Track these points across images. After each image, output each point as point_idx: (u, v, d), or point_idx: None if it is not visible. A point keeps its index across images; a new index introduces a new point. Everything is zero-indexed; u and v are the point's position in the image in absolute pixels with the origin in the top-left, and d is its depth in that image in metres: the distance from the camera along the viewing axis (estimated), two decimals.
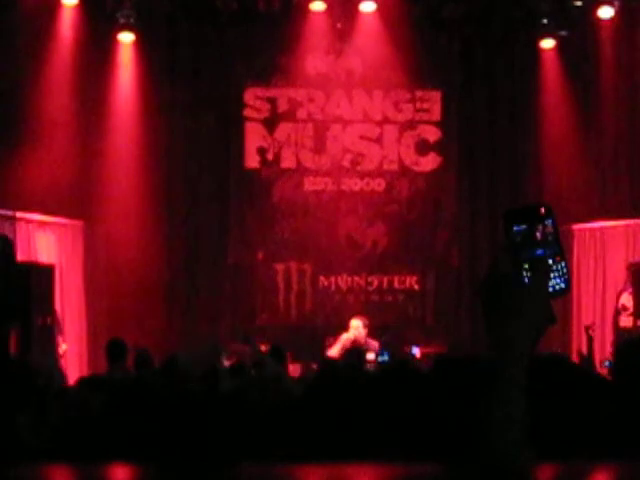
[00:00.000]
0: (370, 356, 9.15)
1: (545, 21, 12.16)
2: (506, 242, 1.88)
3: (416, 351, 9.76)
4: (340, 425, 3.95)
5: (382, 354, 8.96)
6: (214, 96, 12.78)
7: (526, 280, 1.88)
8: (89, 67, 11.77)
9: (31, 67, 11.20)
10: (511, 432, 1.75)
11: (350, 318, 10.28)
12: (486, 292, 1.91)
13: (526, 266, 1.89)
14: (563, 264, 1.88)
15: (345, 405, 4.10)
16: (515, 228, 1.92)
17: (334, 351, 9.24)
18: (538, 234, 1.90)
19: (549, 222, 1.90)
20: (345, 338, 9.55)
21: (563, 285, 1.88)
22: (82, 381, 6.38)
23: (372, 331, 10.33)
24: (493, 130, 13.09)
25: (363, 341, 9.69)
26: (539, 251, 1.89)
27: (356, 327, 9.70)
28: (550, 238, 1.90)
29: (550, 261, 1.89)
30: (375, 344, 9.63)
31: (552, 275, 1.88)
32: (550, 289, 1.88)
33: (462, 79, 13.06)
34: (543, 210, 1.91)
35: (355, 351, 7.87)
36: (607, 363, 8.68)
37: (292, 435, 4.14)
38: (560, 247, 1.90)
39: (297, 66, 12.83)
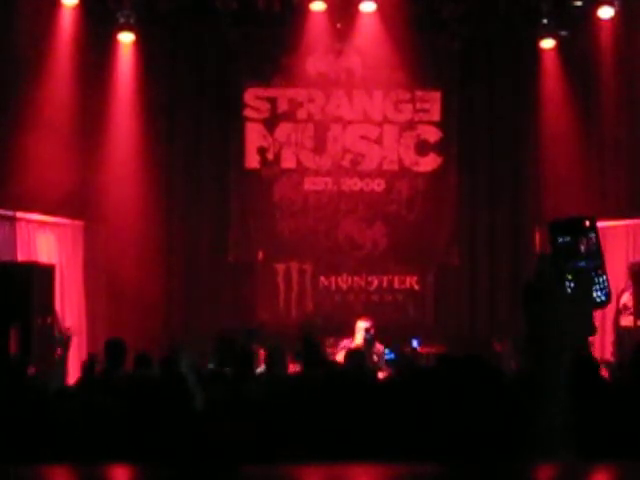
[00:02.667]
0: (375, 359, 9.08)
1: (545, 21, 12.16)
2: (551, 252, 1.90)
3: (415, 343, 9.69)
4: (342, 425, 3.95)
5: (388, 353, 8.90)
6: (214, 96, 12.78)
7: (569, 290, 1.89)
8: (89, 67, 11.77)
9: (31, 67, 11.19)
10: (554, 431, 1.76)
11: (350, 318, 10.22)
12: (529, 299, 1.94)
13: (569, 277, 1.90)
14: (604, 277, 1.90)
15: (346, 405, 4.09)
16: (560, 239, 1.93)
17: (341, 357, 9.14)
18: (582, 246, 1.92)
19: (592, 235, 1.92)
20: (355, 345, 9.44)
21: (604, 298, 1.89)
22: (81, 381, 6.38)
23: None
24: (493, 130, 13.09)
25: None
26: (582, 263, 1.91)
27: (365, 328, 9.61)
28: (593, 250, 1.91)
29: (592, 274, 1.90)
30: (381, 348, 9.54)
31: (593, 287, 1.89)
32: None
33: (462, 79, 13.06)
34: (587, 223, 1.92)
35: (356, 353, 7.84)
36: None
37: (293, 435, 4.14)
38: (602, 260, 1.92)
39: (297, 66, 12.83)
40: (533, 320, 1.77)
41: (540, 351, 1.88)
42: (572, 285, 1.88)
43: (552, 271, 1.88)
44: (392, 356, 8.44)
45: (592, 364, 4.07)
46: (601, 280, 1.90)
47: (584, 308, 1.89)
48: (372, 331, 9.46)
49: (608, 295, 1.90)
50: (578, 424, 1.92)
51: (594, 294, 1.90)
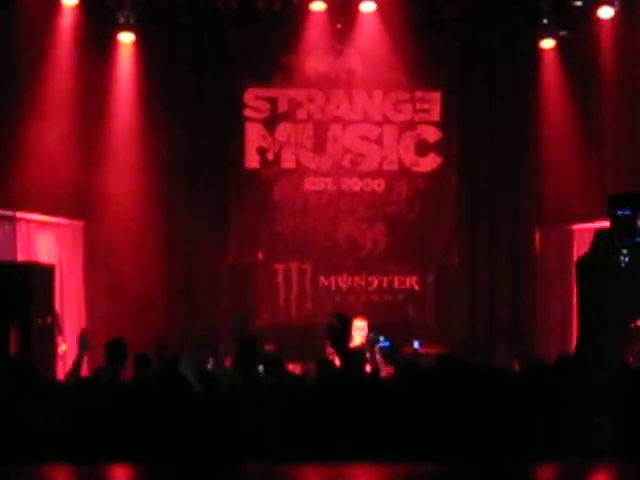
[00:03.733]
0: (377, 358, 9.04)
1: (545, 21, 12.16)
2: (611, 226, 1.93)
3: (417, 344, 9.67)
4: (342, 426, 3.95)
5: (383, 341, 8.81)
6: (214, 96, 12.78)
7: (622, 264, 1.92)
8: (89, 67, 11.76)
9: (31, 67, 11.19)
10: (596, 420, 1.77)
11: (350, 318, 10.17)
12: (584, 271, 1.96)
13: (624, 251, 1.94)
14: None
15: (346, 406, 4.10)
16: (619, 212, 1.97)
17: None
18: (639, 222, 1.95)
19: None
20: (354, 345, 9.41)
21: None
22: (82, 382, 6.38)
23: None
24: (493, 130, 13.09)
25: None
26: (638, 239, 1.94)
27: (362, 328, 9.60)
28: None
29: None
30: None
31: None
32: None
33: (462, 79, 13.06)
34: None
35: (355, 354, 7.82)
36: None
37: (293, 435, 4.14)
38: None
39: (297, 66, 12.83)
40: (586, 295, 1.80)
41: (593, 326, 1.90)
42: (626, 260, 1.91)
43: (608, 245, 1.92)
44: (387, 344, 8.38)
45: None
46: None
47: (637, 284, 1.92)
48: (371, 331, 9.43)
49: None
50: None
51: None
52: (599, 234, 1.83)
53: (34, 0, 11.09)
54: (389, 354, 7.78)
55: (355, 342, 9.38)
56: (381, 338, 8.19)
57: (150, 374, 7.03)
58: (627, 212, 1.77)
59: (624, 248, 1.72)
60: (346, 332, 5.22)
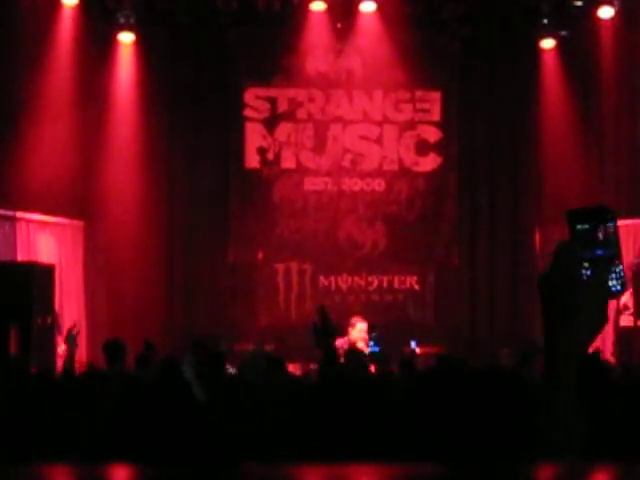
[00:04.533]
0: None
1: (545, 21, 12.18)
2: (571, 239, 1.91)
3: (414, 344, 9.67)
4: (342, 425, 3.95)
5: (372, 346, 8.79)
6: (214, 96, 12.79)
7: (585, 277, 1.91)
8: (89, 67, 11.77)
9: (31, 67, 11.19)
10: (566, 424, 1.77)
11: (350, 318, 10.12)
12: (546, 286, 1.93)
13: (586, 264, 1.92)
14: (620, 267, 1.91)
15: (347, 405, 4.09)
16: (579, 227, 1.95)
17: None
18: (600, 234, 1.94)
19: (611, 224, 1.94)
20: (351, 339, 9.39)
21: (619, 287, 1.91)
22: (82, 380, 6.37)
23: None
24: (493, 130, 13.10)
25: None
26: (599, 251, 1.92)
27: (364, 330, 9.54)
28: (611, 239, 1.93)
29: (609, 262, 1.92)
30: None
31: (609, 276, 1.91)
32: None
33: (462, 79, 13.07)
34: (606, 212, 1.95)
35: (355, 353, 7.80)
36: None
37: (293, 435, 4.14)
38: (619, 250, 1.93)
39: (297, 66, 12.83)
40: (550, 309, 1.79)
41: (556, 342, 1.88)
42: (588, 273, 1.90)
43: (569, 258, 1.90)
44: (376, 349, 8.36)
45: (600, 364, 4.09)
46: (617, 269, 1.92)
47: (599, 297, 1.90)
48: (373, 330, 9.40)
49: (624, 285, 1.91)
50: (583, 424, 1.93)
51: (610, 283, 1.91)
52: (560, 247, 1.83)
53: (34, 0, 11.09)
54: (376, 358, 7.77)
55: (352, 337, 9.38)
56: (370, 343, 8.17)
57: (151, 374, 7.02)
58: (586, 226, 1.78)
59: (586, 261, 1.73)
60: (329, 325, 5.18)
